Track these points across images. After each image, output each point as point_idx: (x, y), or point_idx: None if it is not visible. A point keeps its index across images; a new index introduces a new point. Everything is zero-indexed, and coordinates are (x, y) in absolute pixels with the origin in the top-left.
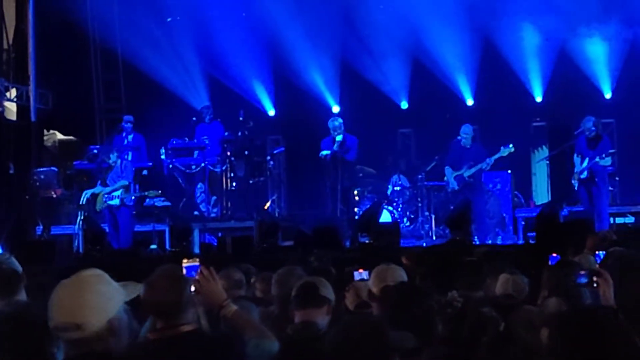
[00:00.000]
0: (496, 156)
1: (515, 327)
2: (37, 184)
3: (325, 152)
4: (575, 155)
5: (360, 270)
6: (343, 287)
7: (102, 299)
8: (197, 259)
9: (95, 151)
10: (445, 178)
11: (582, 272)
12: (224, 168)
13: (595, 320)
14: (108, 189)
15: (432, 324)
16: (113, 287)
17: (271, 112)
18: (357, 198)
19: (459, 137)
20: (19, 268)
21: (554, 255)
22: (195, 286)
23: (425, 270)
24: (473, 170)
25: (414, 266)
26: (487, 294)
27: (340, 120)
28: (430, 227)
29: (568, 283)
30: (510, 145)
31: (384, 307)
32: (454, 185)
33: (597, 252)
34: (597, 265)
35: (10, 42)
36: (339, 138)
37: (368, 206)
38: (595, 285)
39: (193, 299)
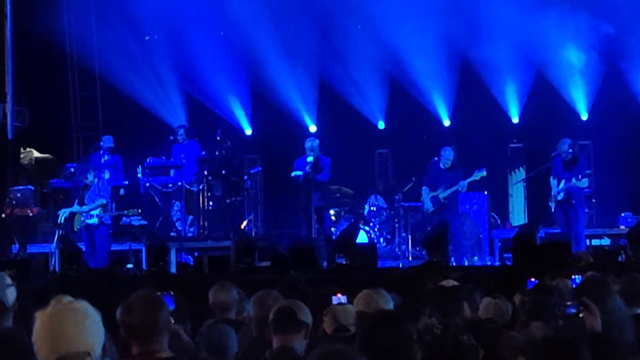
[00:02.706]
0: (469, 180)
1: (497, 352)
2: (14, 202)
3: (297, 173)
4: (551, 177)
5: (339, 295)
6: (320, 309)
7: (97, 324)
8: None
9: (72, 170)
10: (422, 198)
11: (570, 303)
12: (200, 187)
13: (576, 349)
14: (85, 208)
15: (411, 352)
16: (97, 313)
17: (248, 132)
18: (334, 218)
19: (436, 158)
20: (12, 293)
21: (532, 279)
22: None
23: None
24: (448, 192)
25: None
26: (464, 317)
27: (317, 141)
28: (407, 248)
29: (555, 312)
30: (484, 170)
31: (362, 335)
32: (429, 206)
33: (573, 277)
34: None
35: None
36: (309, 159)
37: (345, 227)
38: (581, 315)
39: (169, 324)
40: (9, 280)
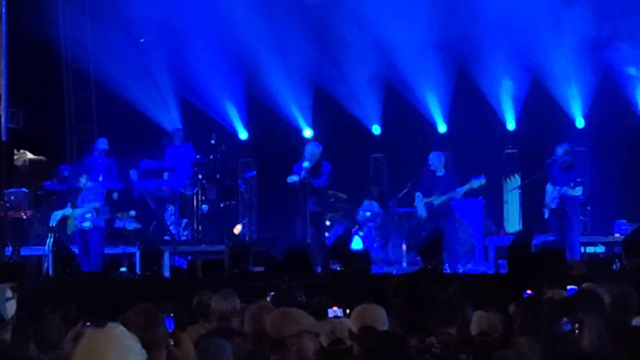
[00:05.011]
0: (466, 187)
1: None
2: (7, 204)
3: (293, 178)
4: (548, 184)
5: (335, 308)
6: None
7: (135, 353)
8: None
9: (66, 173)
10: (415, 204)
11: (566, 320)
12: (195, 191)
13: None
14: (79, 211)
15: None
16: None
17: (243, 135)
18: (328, 223)
19: (429, 166)
20: (12, 306)
21: (528, 291)
22: None
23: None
24: (443, 198)
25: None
26: (461, 329)
27: (318, 147)
28: (402, 254)
29: (551, 328)
30: (482, 177)
31: (362, 355)
32: (422, 212)
33: (568, 287)
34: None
35: None
36: (305, 164)
37: (340, 232)
38: (577, 332)
39: (167, 337)
40: (9, 293)
